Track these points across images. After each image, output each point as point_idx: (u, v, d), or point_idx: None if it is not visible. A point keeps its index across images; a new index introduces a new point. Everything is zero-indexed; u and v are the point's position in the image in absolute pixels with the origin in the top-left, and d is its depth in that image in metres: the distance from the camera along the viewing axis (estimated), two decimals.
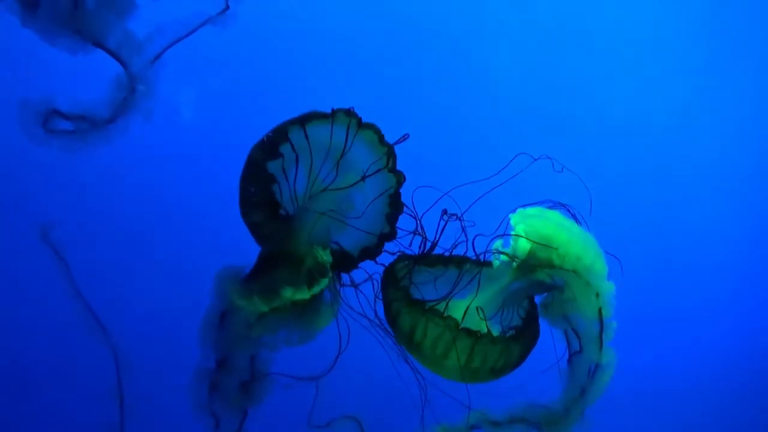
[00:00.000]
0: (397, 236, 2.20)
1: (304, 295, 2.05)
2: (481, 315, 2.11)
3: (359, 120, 2.15)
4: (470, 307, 2.11)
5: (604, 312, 2.04)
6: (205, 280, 2.08)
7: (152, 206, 3.24)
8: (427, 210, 2.18)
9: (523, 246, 2.09)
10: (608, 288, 2.04)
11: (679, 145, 3.88)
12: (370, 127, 2.17)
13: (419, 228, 2.20)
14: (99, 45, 1.88)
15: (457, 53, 3.61)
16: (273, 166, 2.10)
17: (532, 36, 3.70)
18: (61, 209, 3.09)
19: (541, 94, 3.69)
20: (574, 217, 2.11)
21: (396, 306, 2.09)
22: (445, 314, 2.02)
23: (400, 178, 2.19)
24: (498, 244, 2.14)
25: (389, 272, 2.17)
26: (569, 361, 2.13)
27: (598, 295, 2.03)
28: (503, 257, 2.13)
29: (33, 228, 2.10)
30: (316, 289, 2.06)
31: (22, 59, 3.02)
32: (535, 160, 2.14)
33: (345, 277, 2.24)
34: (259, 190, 2.08)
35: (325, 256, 2.09)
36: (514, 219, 2.11)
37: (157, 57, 1.92)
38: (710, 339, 3.98)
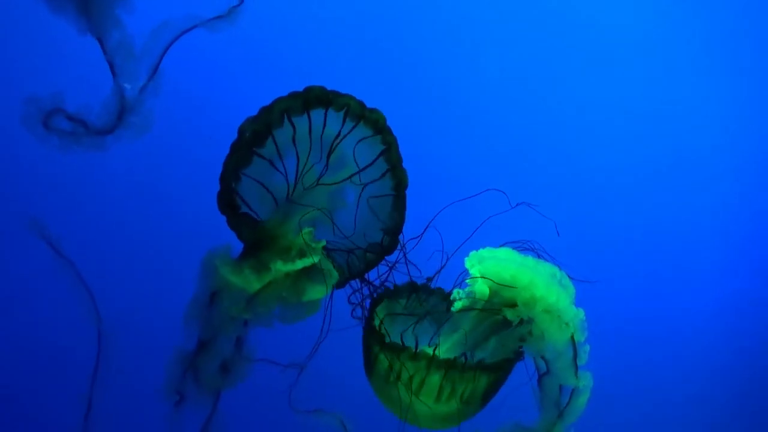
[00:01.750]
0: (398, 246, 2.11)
1: (294, 266, 1.99)
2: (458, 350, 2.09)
3: (361, 105, 1.98)
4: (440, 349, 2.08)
5: (576, 337, 2.04)
6: (195, 265, 2.07)
7: (144, 196, 3.28)
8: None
9: (482, 289, 2.04)
10: (577, 314, 2.04)
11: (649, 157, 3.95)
12: (375, 114, 2.00)
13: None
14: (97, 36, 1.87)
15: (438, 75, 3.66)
16: (262, 150, 1.98)
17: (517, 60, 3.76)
18: (52, 196, 3.12)
19: (520, 125, 3.75)
20: (536, 252, 2.08)
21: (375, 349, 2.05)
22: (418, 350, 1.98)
23: (403, 179, 2.05)
24: (456, 293, 2.09)
25: (370, 318, 2.10)
26: (539, 382, 2.14)
27: (567, 324, 2.02)
28: (465, 301, 2.07)
29: (23, 215, 2.12)
30: (307, 261, 2.00)
31: (46, 55, 3.05)
32: (513, 207, 2.10)
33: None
34: (233, 167, 1.97)
35: (311, 237, 2.02)
36: (469, 262, 2.06)
37: (155, 68, 1.89)
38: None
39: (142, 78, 1.93)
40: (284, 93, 1.95)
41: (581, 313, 2.04)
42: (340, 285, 2.15)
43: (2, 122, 2.54)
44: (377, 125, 2.00)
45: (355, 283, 2.18)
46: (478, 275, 2.03)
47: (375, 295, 2.15)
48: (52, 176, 3.10)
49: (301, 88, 1.97)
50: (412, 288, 2.19)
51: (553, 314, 2.01)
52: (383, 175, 2.06)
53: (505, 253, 2.06)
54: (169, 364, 2.12)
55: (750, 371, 4.12)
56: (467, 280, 2.07)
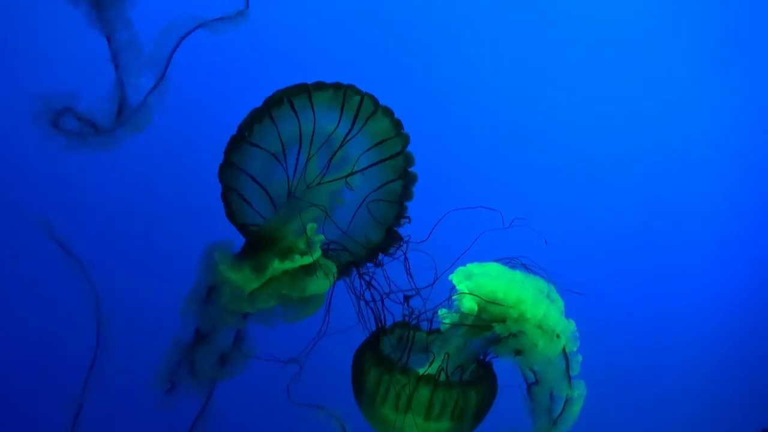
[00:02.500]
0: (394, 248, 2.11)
1: (293, 263, 1.97)
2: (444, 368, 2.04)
3: (373, 99, 1.93)
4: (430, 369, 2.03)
5: (568, 348, 2.01)
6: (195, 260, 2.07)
7: (148, 195, 3.31)
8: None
9: (470, 305, 1.99)
10: (568, 326, 2.01)
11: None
12: (386, 113, 1.95)
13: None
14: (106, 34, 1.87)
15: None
16: (265, 143, 1.94)
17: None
18: (55, 195, 3.15)
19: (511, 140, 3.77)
20: (526, 267, 2.03)
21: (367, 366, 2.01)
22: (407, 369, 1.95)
23: (411, 179, 2.03)
24: (443, 312, 2.05)
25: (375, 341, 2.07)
26: (529, 391, 2.12)
27: (558, 335, 1.99)
28: (453, 319, 2.04)
29: (28, 213, 2.13)
30: (307, 259, 1.97)
31: (55, 53, 3.07)
32: (507, 227, 2.06)
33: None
34: (228, 158, 1.93)
35: (314, 233, 1.99)
36: (456, 278, 2.01)
37: (164, 69, 1.88)
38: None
39: (149, 78, 1.91)
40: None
41: (572, 325, 2.02)
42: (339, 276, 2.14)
43: (11, 121, 2.56)
44: (394, 121, 1.96)
45: (354, 283, 2.18)
46: (466, 291, 1.99)
47: (385, 325, 2.12)
48: (56, 175, 3.13)
49: None
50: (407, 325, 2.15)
51: (544, 328, 1.98)
52: (398, 178, 2.04)
53: (493, 268, 2.01)
54: (166, 354, 2.12)
55: (750, 378, 4.12)
56: (455, 296, 2.02)
